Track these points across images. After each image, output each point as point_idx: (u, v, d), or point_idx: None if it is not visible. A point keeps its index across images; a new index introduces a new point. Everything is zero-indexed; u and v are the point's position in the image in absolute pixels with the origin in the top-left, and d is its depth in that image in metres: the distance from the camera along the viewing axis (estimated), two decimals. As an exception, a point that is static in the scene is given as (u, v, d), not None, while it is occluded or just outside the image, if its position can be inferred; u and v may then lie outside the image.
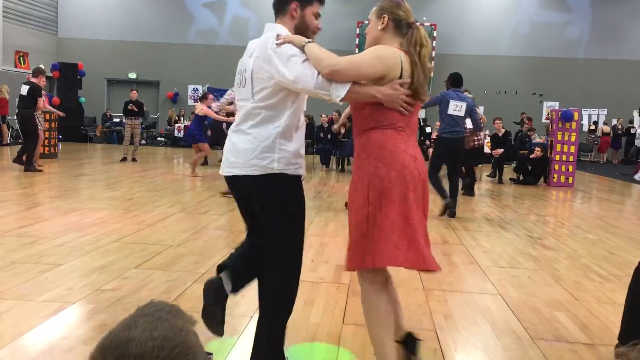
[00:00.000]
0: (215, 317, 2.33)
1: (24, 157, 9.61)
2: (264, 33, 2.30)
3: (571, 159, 11.19)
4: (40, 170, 9.46)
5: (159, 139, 19.27)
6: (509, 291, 3.85)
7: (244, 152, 2.23)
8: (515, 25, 19.40)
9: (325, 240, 5.20)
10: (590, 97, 19.00)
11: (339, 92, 2.13)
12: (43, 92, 10.11)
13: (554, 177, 11.21)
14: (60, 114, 12.01)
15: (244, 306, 3.23)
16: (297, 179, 2.30)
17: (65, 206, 6.29)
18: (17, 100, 10.12)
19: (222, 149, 2.52)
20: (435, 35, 18.44)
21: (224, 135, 2.74)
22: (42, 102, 9.98)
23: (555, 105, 18.32)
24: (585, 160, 17.77)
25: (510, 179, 11.58)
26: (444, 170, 7.30)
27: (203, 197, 7.57)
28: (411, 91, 2.23)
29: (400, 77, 2.22)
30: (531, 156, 11.28)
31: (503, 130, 11.79)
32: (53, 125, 12.18)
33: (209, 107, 9.82)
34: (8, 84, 15.13)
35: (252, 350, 2.39)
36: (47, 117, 11.80)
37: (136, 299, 3.32)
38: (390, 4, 2.35)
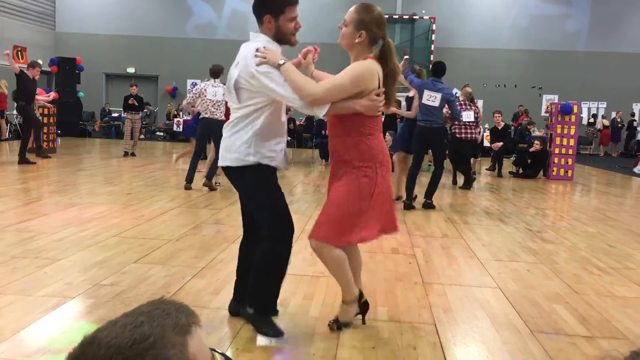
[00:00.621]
0: (273, 328, 2.79)
1: (32, 145, 10.05)
2: (250, 40, 2.64)
3: (570, 152, 11.18)
4: (35, 163, 9.67)
5: (157, 133, 19.22)
6: (508, 284, 3.86)
7: (231, 146, 2.66)
8: (514, 19, 19.33)
9: (324, 234, 5.19)
10: (590, 90, 18.96)
11: (322, 110, 2.53)
12: (39, 89, 10.18)
13: (553, 171, 11.21)
14: (49, 98, 11.84)
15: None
16: (273, 169, 2.72)
17: (64, 201, 6.29)
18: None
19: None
20: (434, 28, 18.36)
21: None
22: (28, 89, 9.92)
23: (555, 98, 18.26)
24: (585, 153, 17.76)
25: (510, 172, 11.57)
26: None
27: (202, 191, 7.56)
28: (384, 98, 2.61)
29: (379, 87, 2.57)
30: (530, 149, 11.27)
31: (503, 124, 11.77)
32: (51, 120, 12.12)
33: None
34: (6, 79, 15.10)
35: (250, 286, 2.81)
36: (45, 111, 11.77)
37: (135, 293, 3.32)
38: (371, 20, 2.60)
